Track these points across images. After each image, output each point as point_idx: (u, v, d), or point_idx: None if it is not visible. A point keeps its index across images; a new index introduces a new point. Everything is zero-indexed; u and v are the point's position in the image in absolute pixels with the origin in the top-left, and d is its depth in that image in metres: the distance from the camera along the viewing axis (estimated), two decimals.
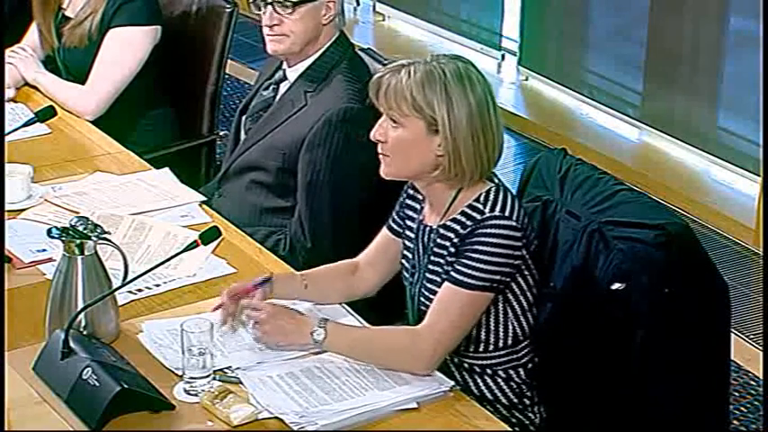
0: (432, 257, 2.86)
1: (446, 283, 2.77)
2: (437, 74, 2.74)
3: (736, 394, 4.14)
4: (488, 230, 2.75)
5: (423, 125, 2.75)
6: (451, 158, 2.75)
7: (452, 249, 2.80)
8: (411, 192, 2.96)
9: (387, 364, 2.74)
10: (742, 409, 4.10)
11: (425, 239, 2.88)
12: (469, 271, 2.74)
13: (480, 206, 2.78)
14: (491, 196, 2.79)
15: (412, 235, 2.93)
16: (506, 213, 2.76)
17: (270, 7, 3.49)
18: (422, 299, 2.88)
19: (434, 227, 2.85)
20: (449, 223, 2.82)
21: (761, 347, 4.35)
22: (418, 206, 2.94)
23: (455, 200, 2.81)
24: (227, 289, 2.86)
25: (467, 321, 2.78)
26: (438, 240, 2.84)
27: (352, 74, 3.49)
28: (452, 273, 2.77)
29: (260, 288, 2.87)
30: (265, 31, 3.52)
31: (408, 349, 2.74)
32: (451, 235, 2.81)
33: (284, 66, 3.62)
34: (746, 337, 4.44)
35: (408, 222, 2.96)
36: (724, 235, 5.12)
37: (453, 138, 2.74)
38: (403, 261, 2.98)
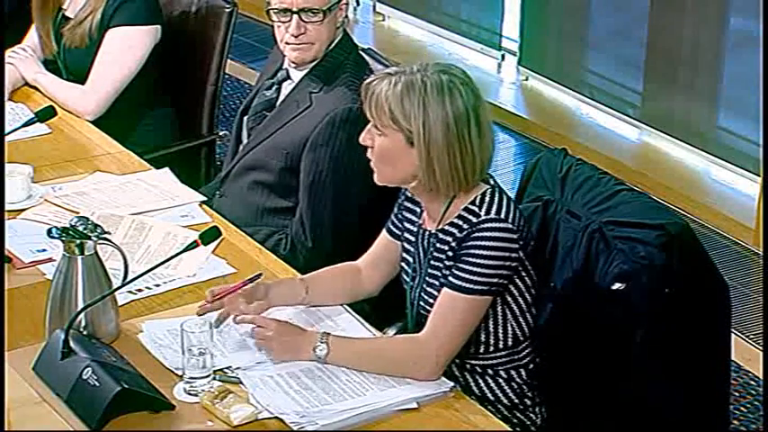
0: (431, 262, 2.85)
1: (445, 289, 2.77)
2: (417, 86, 2.71)
3: (736, 394, 4.14)
4: (484, 234, 2.74)
5: (401, 137, 2.74)
6: (425, 172, 2.74)
7: (450, 254, 2.80)
8: (409, 194, 2.96)
9: (391, 374, 2.73)
10: (742, 409, 4.10)
11: (425, 244, 2.88)
12: (467, 276, 2.74)
13: (476, 209, 2.78)
14: (486, 198, 2.79)
15: (412, 239, 2.93)
16: (501, 216, 2.76)
17: (296, 16, 3.47)
18: (422, 303, 2.88)
19: (433, 231, 2.85)
20: (446, 227, 2.82)
21: (761, 347, 4.35)
22: (418, 209, 2.93)
23: (450, 205, 2.81)
24: (210, 289, 2.87)
25: (468, 326, 2.78)
26: (437, 245, 2.84)
27: (357, 75, 3.49)
28: (450, 278, 2.77)
29: (247, 285, 2.87)
30: (289, 40, 3.49)
31: (412, 358, 2.73)
32: (449, 239, 2.80)
33: (286, 65, 3.62)
34: (746, 337, 4.44)
35: (407, 225, 2.96)
36: (724, 235, 5.12)
37: (428, 152, 2.72)
38: (403, 264, 2.97)
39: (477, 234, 2.75)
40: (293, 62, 3.57)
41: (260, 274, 2.94)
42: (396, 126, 2.73)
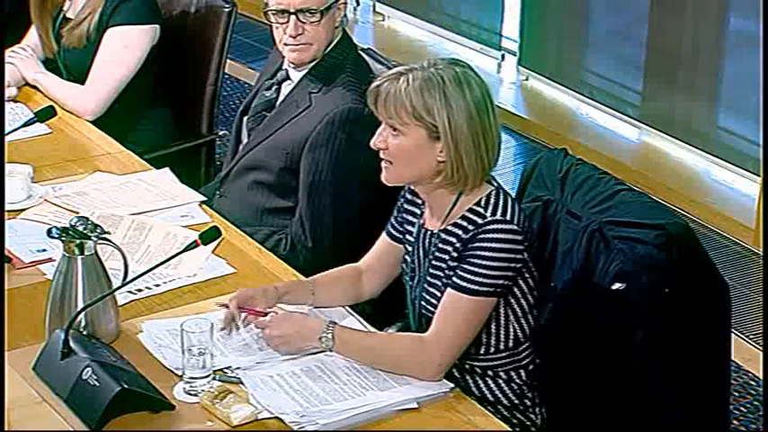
0: (433, 262, 2.85)
1: (449, 290, 2.77)
2: (436, 80, 2.73)
3: (736, 394, 4.14)
4: (489, 235, 2.74)
5: (424, 132, 2.75)
6: (454, 164, 2.75)
7: (455, 254, 2.79)
8: (409, 196, 2.96)
9: (395, 372, 2.74)
10: (742, 409, 4.10)
11: (426, 243, 2.87)
12: (472, 277, 2.74)
13: (481, 210, 2.78)
14: (492, 200, 2.79)
15: (412, 239, 2.93)
16: (507, 217, 2.76)
17: (293, 17, 3.47)
18: (422, 302, 2.88)
19: (436, 231, 2.85)
20: (450, 228, 2.82)
21: (761, 347, 4.35)
22: (418, 210, 2.93)
23: (455, 204, 2.81)
24: (236, 295, 2.86)
25: (472, 327, 2.78)
26: (440, 245, 2.83)
27: (356, 75, 3.49)
28: (455, 279, 2.76)
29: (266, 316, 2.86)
30: (287, 41, 3.49)
31: (416, 359, 2.73)
32: (453, 240, 2.80)
33: (286, 66, 3.62)
34: (746, 337, 4.44)
35: (408, 227, 2.96)
36: (724, 235, 5.12)
37: (455, 143, 2.73)
38: (403, 264, 2.97)
39: (482, 235, 2.75)
40: (292, 63, 3.57)
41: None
42: (419, 122, 2.74)
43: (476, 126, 2.74)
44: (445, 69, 2.75)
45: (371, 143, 2.81)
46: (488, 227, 2.75)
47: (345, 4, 3.55)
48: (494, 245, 2.74)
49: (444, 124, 2.73)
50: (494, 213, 2.76)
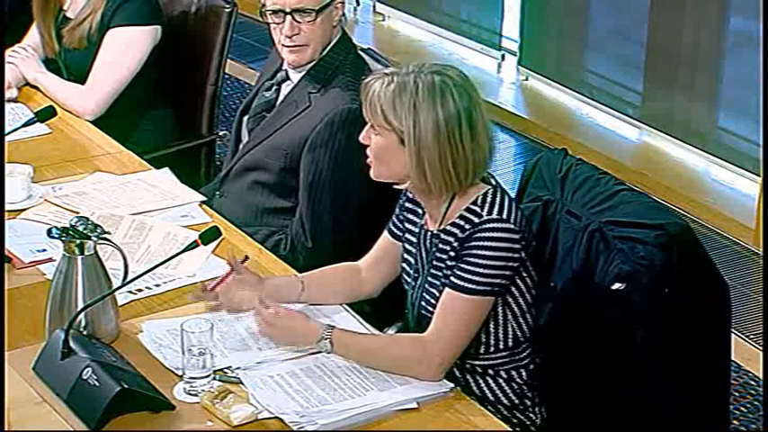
0: (434, 262, 2.85)
1: (447, 289, 2.77)
2: (409, 87, 2.71)
3: (737, 394, 4.14)
4: (486, 234, 2.74)
5: (394, 137, 2.74)
6: (416, 174, 2.74)
7: (452, 254, 2.79)
8: (411, 196, 2.95)
9: (395, 373, 2.74)
10: (742, 409, 4.10)
11: (428, 245, 2.87)
12: (469, 276, 2.74)
13: (478, 209, 2.77)
14: (488, 199, 2.79)
15: (414, 239, 2.93)
16: (504, 216, 2.75)
17: (289, 17, 3.47)
18: (423, 303, 2.88)
19: (435, 232, 2.85)
20: (448, 228, 2.81)
21: (761, 347, 4.36)
22: (420, 211, 2.93)
23: (450, 205, 2.81)
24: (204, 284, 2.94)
25: (471, 327, 2.78)
26: (439, 245, 2.83)
27: (355, 75, 3.48)
28: (452, 278, 2.76)
29: (236, 269, 2.93)
30: (284, 42, 3.50)
31: (416, 359, 2.73)
32: (451, 239, 2.80)
33: (285, 66, 3.62)
34: (746, 337, 4.44)
35: (408, 226, 2.96)
36: (724, 235, 5.12)
37: (417, 153, 2.72)
38: (404, 265, 2.97)
39: (479, 234, 2.75)
40: (290, 65, 3.57)
41: (246, 257, 2.97)
42: (388, 126, 2.74)
43: (442, 140, 2.71)
44: (425, 77, 2.72)
45: (360, 137, 2.82)
46: (485, 226, 2.75)
47: (343, 3, 3.55)
48: (491, 244, 2.73)
49: (409, 132, 2.71)
50: (490, 213, 2.76)
